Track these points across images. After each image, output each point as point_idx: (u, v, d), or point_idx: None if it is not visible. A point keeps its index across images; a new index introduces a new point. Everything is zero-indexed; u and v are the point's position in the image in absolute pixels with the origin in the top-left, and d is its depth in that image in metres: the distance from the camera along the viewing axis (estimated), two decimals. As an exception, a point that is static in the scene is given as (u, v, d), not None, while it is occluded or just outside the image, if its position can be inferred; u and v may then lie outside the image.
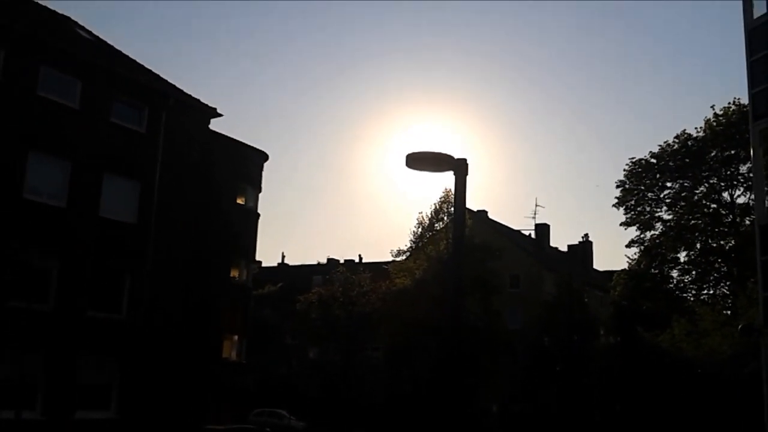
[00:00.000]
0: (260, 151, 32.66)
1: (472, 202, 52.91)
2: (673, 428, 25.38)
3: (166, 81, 27.96)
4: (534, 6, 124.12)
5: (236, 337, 32.07)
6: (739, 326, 20.45)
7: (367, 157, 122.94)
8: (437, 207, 44.53)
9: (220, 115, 28.64)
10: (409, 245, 45.71)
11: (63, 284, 22.81)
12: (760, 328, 18.34)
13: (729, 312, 33.39)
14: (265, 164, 33.15)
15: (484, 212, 57.55)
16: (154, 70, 28.29)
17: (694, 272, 42.34)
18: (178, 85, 28.20)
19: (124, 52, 28.67)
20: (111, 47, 28.45)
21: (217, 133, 29.84)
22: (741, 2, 20.32)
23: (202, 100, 28.36)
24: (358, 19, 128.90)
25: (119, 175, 24.73)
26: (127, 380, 24.12)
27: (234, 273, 31.79)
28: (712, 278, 42.11)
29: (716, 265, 41.85)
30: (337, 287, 51.30)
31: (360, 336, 50.53)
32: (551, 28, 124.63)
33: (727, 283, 40.44)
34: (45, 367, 22.07)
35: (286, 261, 78.86)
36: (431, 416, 33.52)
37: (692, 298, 40.80)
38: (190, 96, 28.08)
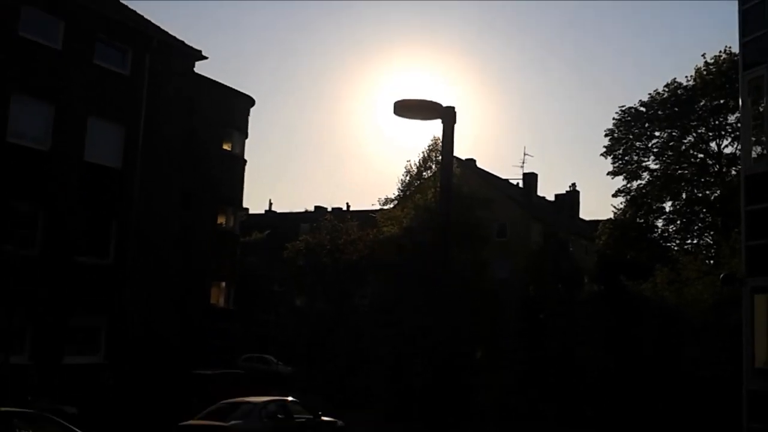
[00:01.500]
0: (246, 95, 32.35)
1: (461, 151, 52.88)
2: (655, 374, 25.86)
3: (150, 22, 27.43)
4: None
5: (224, 284, 32.25)
6: (721, 275, 20.64)
7: (356, 104, 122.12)
8: (425, 155, 44.32)
9: (206, 58, 28.25)
10: (396, 193, 45.63)
11: (49, 229, 22.70)
12: (742, 278, 18.52)
13: (712, 261, 33.73)
14: (252, 109, 32.86)
15: (472, 161, 57.51)
16: (138, 11, 27.76)
17: (678, 222, 42.61)
18: (162, 27, 27.71)
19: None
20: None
21: (202, 76, 29.47)
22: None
23: (187, 42, 27.92)
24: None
25: (103, 119, 24.43)
26: (116, 325, 24.25)
27: (221, 220, 31.77)
28: (696, 228, 42.42)
29: (701, 215, 42.11)
30: (325, 235, 51.38)
31: (347, 284, 50.88)
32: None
33: (711, 233, 40.77)
34: (33, 311, 22.10)
35: (273, 208, 78.93)
36: (418, 361, 33.99)
37: (676, 248, 41.14)
38: (174, 38, 27.59)
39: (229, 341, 33.05)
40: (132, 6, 27.91)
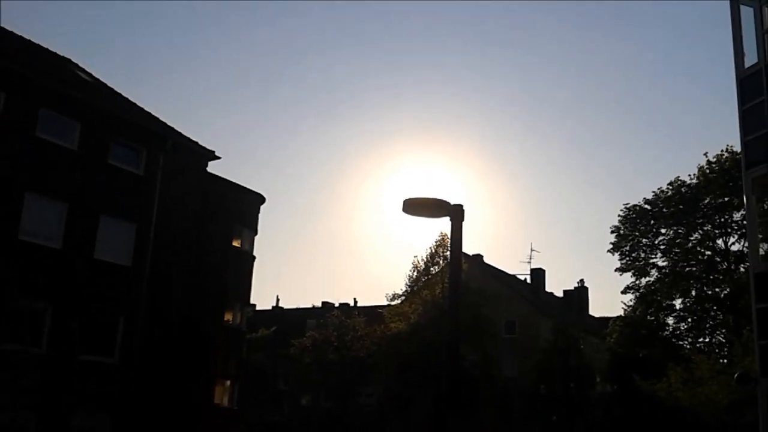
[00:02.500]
0: (257, 193, 32.74)
1: (468, 246, 52.86)
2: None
3: (165, 123, 28.13)
4: (529, 49, 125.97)
5: (229, 383, 31.67)
6: (735, 375, 20.29)
7: (363, 201, 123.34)
8: (432, 251, 44.56)
9: (218, 158, 28.82)
10: (404, 289, 45.59)
11: (56, 327, 22.58)
12: (757, 377, 18.21)
13: (725, 360, 33.19)
14: (262, 207, 33.19)
15: (479, 256, 57.55)
16: (152, 113, 28.53)
17: (689, 319, 42.20)
18: (176, 128, 28.42)
19: (124, 94, 28.94)
20: (110, 89, 28.67)
21: (214, 175, 29.96)
22: (733, 52, 20.68)
23: (200, 143, 28.57)
24: (353, 61, 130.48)
25: (115, 217, 24.66)
26: (120, 427, 23.73)
27: (228, 316, 31.54)
28: (707, 326, 41.95)
29: (712, 313, 41.73)
30: (332, 331, 50.98)
31: (354, 381, 50.04)
32: (545, 75, 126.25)
33: (723, 330, 40.29)
34: (38, 410, 21.73)
35: (280, 304, 78.44)
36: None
37: (688, 346, 40.56)
38: (188, 138, 28.24)
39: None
40: (147, 108, 28.73)
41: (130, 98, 28.69)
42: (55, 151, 23.26)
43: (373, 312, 52.27)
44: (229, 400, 31.59)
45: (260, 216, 32.90)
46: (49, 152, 23.10)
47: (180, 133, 28.12)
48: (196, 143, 28.34)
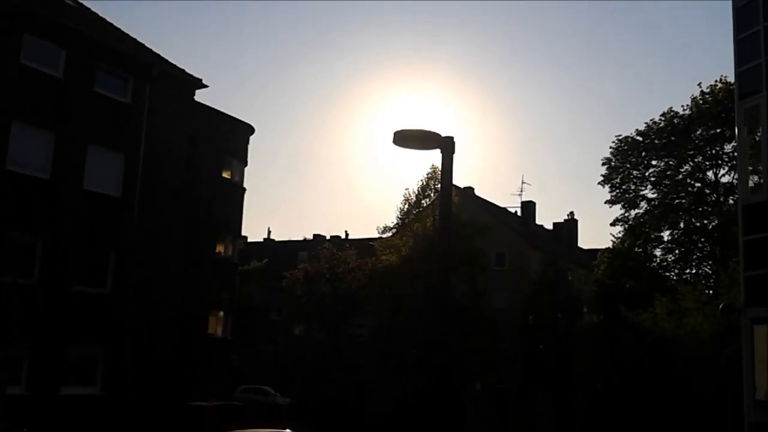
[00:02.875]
0: (246, 123, 32.43)
1: (459, 179, 52.93)
2: (654, 405, 25.67)
3: (152, 51, 27.58)
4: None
5: (222, 314, 32.04)
6: (721, 306, 20.59)
7: (355, 133, 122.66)
8: (424, 183, 44.46)
9: (206, 86, 28.37)
10: (395, 222, 45.69)
11: (47, 258, 22.58)
12: (741, 308, 18.48)
13: (711, 291, 33.65)
14: (251, 138, 32.91)
15: (470, 189, 57.60)
16: (139, 39, 27.95)
17: (677, 251, 42.60)
18: (163, 55, 27.88)
19: (109, 20, 28.27)
20: (96, 15, 27.92)
21: (202, 104, 29.56)
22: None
23: (188, 71, 28.08)
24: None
25: (103, 147, 24.39)
26: (113, 356, 24.01)
27: (220, 248, 31.65)
28: (694, 257, 42.40)
29: (699, 245, 42.11)
30: (323, 264, 51.32)
31: (346, 313, 50.68)
32: (539, 8, 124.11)
33: (710, 262, 40.74)
34: (30, 342, 21.93)
35: (272, 236, 78.75)
36: (418, 394, 33.75)
37: (675, 277, 41.08)
38: (175, 66, 27.74)
39: (226, 371, 32.79)
40: (133, 34, 28.11)
41: (116, 24, 28.06)
42: (41, 78, 22.80)
43: (364, 245, 52.53)
44: (223, 330, 32.02)
45: (250, 147, 32.68)
46: (35, 80, 22.64)
47: (167, 61, 27.62)
48: (183, 71, 27.85)
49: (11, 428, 17.26)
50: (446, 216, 9.55)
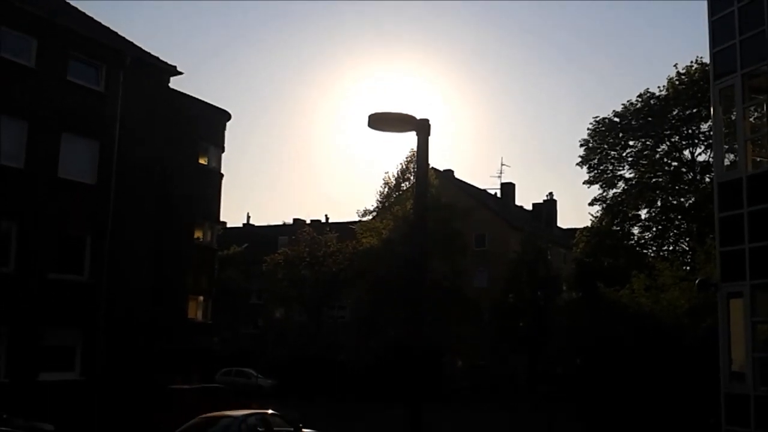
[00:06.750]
0: (222, 110, 32.28)
1: (439, 162, 53.22)
2: (632, 379, 26.01)
3: (124, 39, 27.34)
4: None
5: (201, 298, 32.04)
6: (697, 281, 20.87)
7: (334, 116, 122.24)
8: (403, 166, 44.60)
9: (181, 73, 28.16)
10: (375, 205, 45.85)
11: (23, 246, 22.48)
12: (717, 283, 18.75)
13: (687, 268, 34.06)
14: (228, 123, 32.75)
15: (450, 171, 57.82)
16: (111, 28, 27.65)
17: (654, 229, 43.07)
18: (136, 43, 27.63)
19: (81, 9, 27.97)
20: (67, 4, 27.69)
21: (177, 91, 29.34)
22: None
23: (162, 58, 27.84)
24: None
25: (77, 135, 24.23)
26: (91, 342, 24.03)
27: (198, 234, 31.58)
28: (671, 235, 42.89)
29: (676, 222, 42.60)
30: (304, 247, 51.38)
31: (327, 296, 50.82)
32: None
33: (687, 239, 41.22)
34: (8, 329, 21.86)
35: (251, 222, 78.57)
36: (399, 375, 33.98)
37: (652, 255, 41.53)
38: (148, 54, 27.51)
39: (207, 355, 32.81)
40: (105, 23, 27.83)
41: (88, 14, 27.75)
42: (13, 68, 22.61)
43: (344, 228, 52.64)
44: (203, 314, 32.04)
45: (227, 133, 32.51)
46: (6, 69, 22.44)
47: (140, 48, 27.37)
48: (157, 58, 27.61)
49: None
50: (422, 197, 9.60)
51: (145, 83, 26.52)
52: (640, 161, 43.34)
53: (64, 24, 24.36)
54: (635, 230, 43.77)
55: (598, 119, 43.93)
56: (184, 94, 29.89)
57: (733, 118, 19.31)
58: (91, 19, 27.45)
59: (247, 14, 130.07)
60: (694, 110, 40.27)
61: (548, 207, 66.03)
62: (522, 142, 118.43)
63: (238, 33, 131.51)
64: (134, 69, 25.99)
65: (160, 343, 26.25)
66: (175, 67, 27.95)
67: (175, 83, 28.86)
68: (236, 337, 54.02)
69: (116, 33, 27.35)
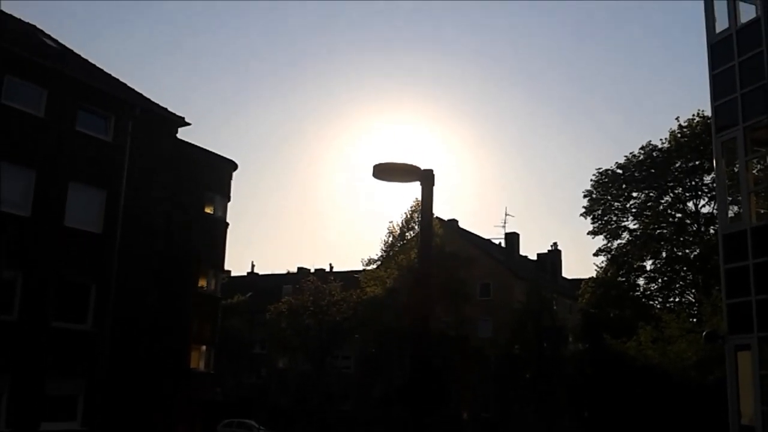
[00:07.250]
0: (229, 160, 32.49)
1: (443, 212, 53.31)
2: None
3: (133, 90, 27.76)
4: (506, 11, 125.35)
5: (204, 348, 31.76)
6: (704, 333, 20.74)
7: (338, 166, 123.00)
8: (408, 216, 44.71)
9: (188, 124, 28.49)
10: (380, 254, 45.82)
11: (27, 294, 22.45)
12: (724, 335, 18.63)
13: (694, 319, 33.85)
14: (234, 173, 32.95)
15: (454, 221, 57.91)
16: (121, 79, 28.10)
17: (660, 280, 42.89)
18: (145, 94, 28.04)
19: (91, 60, 28.46)
20: (77, 56, 28.18)
21: (185, 142, 29.63)
22: (704, 18, 20.71)
23: (170, 109, 28.22)
24: (327, 22, 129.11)
25: (85, 184, 24.39)
26: (94, 391, 23.81)
27: (202, 283, 31.50)
28: (677, 286, 42.68)
29: (681, 274, 42.43)
30: (308, 296, 51.15)
31: (331, 345, 50.41)
32: (519, 39, 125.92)
33: (692, 291, 41.01)
34: (10, 377, 21.71)
35: (255, 270, 78.38)
36: (403, 425, 33.52)
37: (658, 306, 41.29)
38: (157, 105, 27.89)
39: (209, 406, 32.43)
40: (115, 74, 28.32)
41: (97, 65, 28.25)
42: (22, 118, 22.88)
43: (349, 277, 52.47)
44: (206, 364, 31.73)
45: (233, 182, 32.68)
46: (16, 119, 22.72)
47: (149, 100, 27.77)
48: (165, 109, 27.98)
49: None
50: (426, 246, 9.63)
51: (153, 133, 26.83)
52: (644, 212, 43.43)
53: (73, 75, 24.76)
54: (641, 281, 43.65)
55: (601, 170, 44.21)
56: (191, 144, 30.17)
57: (736, 170, 19.42)
58: (101, 70, 27.91)
59: (253, 67, 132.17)
60: (697, 162, 40.52)
61: (553, 257, 65.81)
62: (526, 192, 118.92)
63: (244, 85, 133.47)
64: (142, 119, 26.31)
65: (162, 394, 26.00)
66: (183, 117, 28.31)
67: (182, 133, 29.20)
68: (239, 386, 53.44)
69: (125, 84, 27.78)
